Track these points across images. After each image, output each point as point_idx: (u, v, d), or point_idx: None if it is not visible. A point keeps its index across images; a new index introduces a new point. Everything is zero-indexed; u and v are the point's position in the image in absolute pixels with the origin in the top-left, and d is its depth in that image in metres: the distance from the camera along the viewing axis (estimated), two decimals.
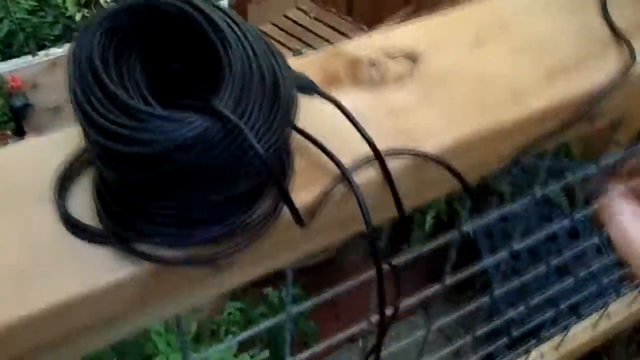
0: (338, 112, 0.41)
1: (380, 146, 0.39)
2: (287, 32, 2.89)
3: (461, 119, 0.44)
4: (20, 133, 2.64)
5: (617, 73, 0.48)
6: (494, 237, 1.94)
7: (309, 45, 2.82)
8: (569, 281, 0.93)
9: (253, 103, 0.33)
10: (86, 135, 0.33)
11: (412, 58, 0.47)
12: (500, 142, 0.45)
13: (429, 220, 2.06)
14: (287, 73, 0.36)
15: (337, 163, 0.39)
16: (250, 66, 0.33)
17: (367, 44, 0.48)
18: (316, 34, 2.89)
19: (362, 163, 0.40)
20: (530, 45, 0.50)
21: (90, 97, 0.32)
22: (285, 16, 2.97)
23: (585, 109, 0.46)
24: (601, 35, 0.51)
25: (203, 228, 0.34)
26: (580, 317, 1.12)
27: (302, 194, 0.38)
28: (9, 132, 2.53)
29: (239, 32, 0.34)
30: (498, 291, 0.80)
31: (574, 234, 1.94)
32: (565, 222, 0.75)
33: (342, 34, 2.89)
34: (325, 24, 2.94)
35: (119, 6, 0.35)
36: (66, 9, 2.77)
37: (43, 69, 2.67)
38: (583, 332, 1.13)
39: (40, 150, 0.40)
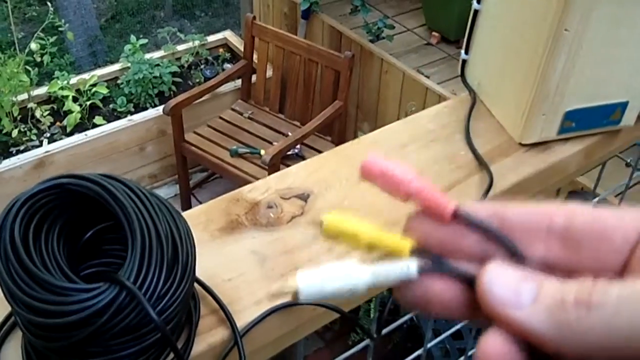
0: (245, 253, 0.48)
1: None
2: (222, 133, 2.98)
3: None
4: None
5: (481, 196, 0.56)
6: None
7: (245, 144, 2.91)
8: None
9: (153, 271, 0.39)
10: (13, 308, 0.39)
11: (303, 198, 0.55)
12: None
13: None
14: (186, 234, 0.43)
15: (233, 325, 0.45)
16: (150, 239, 0.39)
17: (265, 187, 0.56)
18: (251, 133, 2.99)
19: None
20: None
21: (14, 276, 0.38)
22: (221, 117, 3.08)
23: None
24: (466, 162, 0.60)
25: None
26: None
27: (209, 337, 0.44)
28: None
29: (141, 207, 0.40)
30: None
31: None
32: None
33: (276, 131, 3.00)
34: (259, 122, 3.06)
35: (34, 190, 0.42)
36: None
37: None
38: None
39: None
